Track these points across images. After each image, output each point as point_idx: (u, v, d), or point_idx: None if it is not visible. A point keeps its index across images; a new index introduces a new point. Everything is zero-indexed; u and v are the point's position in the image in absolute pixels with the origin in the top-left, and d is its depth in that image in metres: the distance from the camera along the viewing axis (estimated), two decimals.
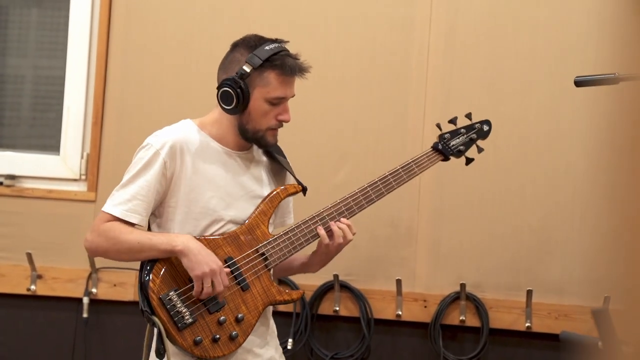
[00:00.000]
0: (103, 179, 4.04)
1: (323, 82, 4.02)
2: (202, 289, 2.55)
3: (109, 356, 4.02)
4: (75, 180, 4.13)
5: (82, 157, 4.12)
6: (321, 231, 2.72)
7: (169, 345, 2.54)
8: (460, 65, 4.04)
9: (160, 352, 2.53)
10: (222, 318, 2.59)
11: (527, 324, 3.90)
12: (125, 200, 2.59)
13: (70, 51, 4.16)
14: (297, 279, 3.89)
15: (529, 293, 3.88)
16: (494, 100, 3.97)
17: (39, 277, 4.05)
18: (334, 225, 2.72)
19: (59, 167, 4.14)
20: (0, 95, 4.33)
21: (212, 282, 2.54)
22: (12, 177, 4.11)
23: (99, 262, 3.95)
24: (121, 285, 4.00)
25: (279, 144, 2.82)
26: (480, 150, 3.01)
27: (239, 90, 2.59)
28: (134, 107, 4.08)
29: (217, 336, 2.58)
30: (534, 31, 4.00)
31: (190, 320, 2.56)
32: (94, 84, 4.12)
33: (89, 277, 4.03)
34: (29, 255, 4.01)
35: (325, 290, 4.03)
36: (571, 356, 3.86)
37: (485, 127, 3.03)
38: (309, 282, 3.97)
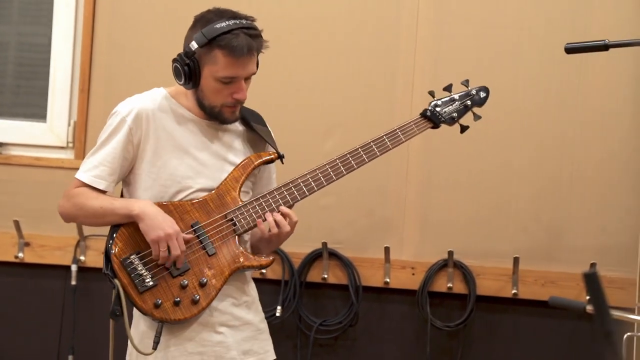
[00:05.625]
0: (90, 146, 3.95)
1: (311, 51, 4.00)
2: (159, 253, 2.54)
3: (97, 323, 4.03)
4: (62, 147, 4.13)
5: (69, 125, 4.12)
6: (261, 225, 2.64)
7: (125, 307, 2.52)
8: (450, 35, 4.01)
9: (116, 313, 2.52)
10: (184, 282, 2.57)
11: (514, 291, 3.90)
12: (92, 167, 2.64)
13: (56, 18, 4.14)
14: (286, 247, 3.88)
15: (516, 260, 3.87)
16: (483, 70, 3.94)
17: (27, 244, 4.05)
18: (269, 216, 2.63)
19: (46, 134, 4.14)
20: None
21: (168, 247, 2.53)
22: None
23: (87, 230, 3.96)
24: None
25: (262, 112, 2.79)
26: (476, 117, 2.90)
27: (185, 67, 2.57)
28: (120, 74, 4.07)
29: (178, 299, 2.56)
30: None
31: (151, 283, 2.56)
32: (80, 51, 4.11)
33: (77, 244, 4.04)
34: (17, 223, 4.02)
35: (313, 258, 4.04)
36: (560, 322, 3.86)
37: (482, 94, 2.92)
38: (298, 250, 3.98)
